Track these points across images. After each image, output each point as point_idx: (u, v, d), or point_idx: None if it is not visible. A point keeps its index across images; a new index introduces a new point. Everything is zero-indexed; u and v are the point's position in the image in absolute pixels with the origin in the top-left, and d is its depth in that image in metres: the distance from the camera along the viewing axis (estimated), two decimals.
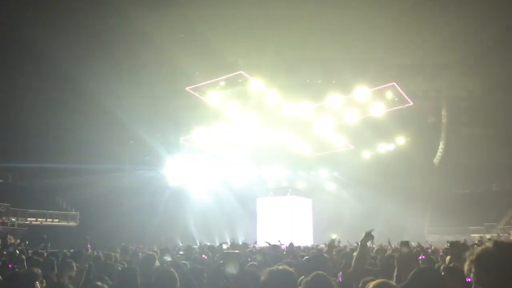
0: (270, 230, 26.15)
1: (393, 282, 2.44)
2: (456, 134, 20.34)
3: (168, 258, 6.47)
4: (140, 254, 8.30)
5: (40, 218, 20.96)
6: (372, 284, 2.39)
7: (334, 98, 18.64)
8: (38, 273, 3.39)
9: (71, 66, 14.68)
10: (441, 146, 21.43)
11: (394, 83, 17.81)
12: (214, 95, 18.11)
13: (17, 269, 5.27)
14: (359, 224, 25.95)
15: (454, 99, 19.40)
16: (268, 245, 10.49)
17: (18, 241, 14.78)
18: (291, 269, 2.57)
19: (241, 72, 16.41)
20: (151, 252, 6.24)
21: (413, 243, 17.00)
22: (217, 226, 26.53)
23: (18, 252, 7.38)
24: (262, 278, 2.58)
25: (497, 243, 1.72)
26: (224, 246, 9.72)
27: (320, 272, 2.58)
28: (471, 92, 18.43)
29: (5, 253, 8.10)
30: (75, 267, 5.33)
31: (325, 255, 5.95)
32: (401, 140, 23.80)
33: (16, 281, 3.16)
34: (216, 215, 26.32)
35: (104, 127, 18.61)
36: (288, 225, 27.26)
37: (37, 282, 3.22)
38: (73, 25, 13.90)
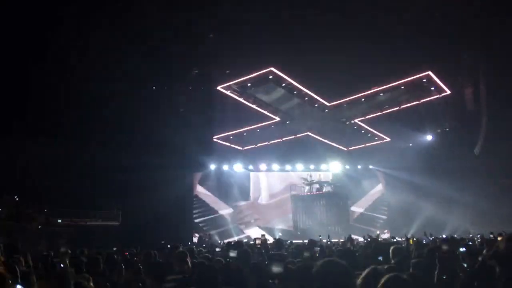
0: (307, 225, 26.16)
1: (405, 276, 2.38)
2: (499, 122, 19.46)
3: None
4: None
5: (85, 218, 21.81)
6: (384, 277, 2.36)
7: (367, 91, 18.41)
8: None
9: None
10: (482, 135, 20.59)
11: (430, 72, 17.28)
12: (245, 93, 18.25)
13: None
14: (400, 217, 25.55)
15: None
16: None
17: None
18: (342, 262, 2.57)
19: (271, 68, 16.41)
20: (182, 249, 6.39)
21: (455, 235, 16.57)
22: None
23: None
24: (314, 269, 2.54)
25: None
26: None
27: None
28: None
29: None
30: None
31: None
32: (440, 130, 23.15)
33: None
34: None
35: (140, 126, 19.13)
36: (325, 220, 27.15)
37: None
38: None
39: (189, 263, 5.78)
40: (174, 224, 22.40)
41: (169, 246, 11.63)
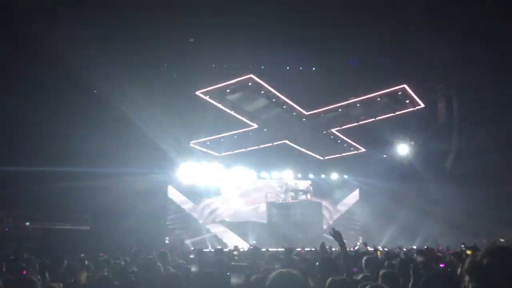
0: (282, 234, 26.15)
1: None
2: (469, 136, 20.04)
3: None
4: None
5: (53, 222, 21.25)
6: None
7: (343, 102, 18.67)
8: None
9: (85, 70, 14.87)
10: (453, 149, 21.17)
11: (405, 85, 17.67)
12: (224, 99, 18.20)
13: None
14: (372, 227, 25.93)
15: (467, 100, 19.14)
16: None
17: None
18: (295, 272, 2.54)
19: (251, 75, 16.44)
20: (150, 257, 6.28)
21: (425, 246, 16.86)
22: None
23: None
24: (267, 283, 2.53)
25: (487, 252, 1.71)
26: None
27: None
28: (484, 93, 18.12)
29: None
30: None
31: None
32: (412, 143, 23.65)
33: None
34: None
35: (115, 131, 18.78)
36: (299, 228, 27.22)
37: None
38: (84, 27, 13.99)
39: (162, 270, 5.67)
40: (148, 229, 22.03)
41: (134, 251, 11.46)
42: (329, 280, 3.74)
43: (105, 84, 15.98)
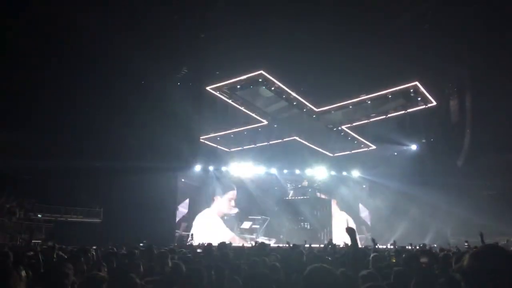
0: (292, 230, 26.16)
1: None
2: (481, 134, 19.81)
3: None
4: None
5: (65, 214, 21.57)
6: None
7: (355, 99, 18.59)
8: None
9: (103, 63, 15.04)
10: (465, 146, 20.94)
11: (417, 82, 17.52)
12: (234, 95, 18.25)
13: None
14: (383, 224, 25.83)
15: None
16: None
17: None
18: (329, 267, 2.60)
19: (261, 71, 16.44)
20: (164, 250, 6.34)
21: (435, 245, 16.74)
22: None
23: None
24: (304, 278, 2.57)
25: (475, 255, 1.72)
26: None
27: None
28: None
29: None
30: None
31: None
32: (424, 140, 23.49)
33: None
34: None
35: (128, 126, 18.95)
36: (309, 225, 27.23)
37: None
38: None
39: (170, 264, 5.74)
40: (157, 223, 22.22)
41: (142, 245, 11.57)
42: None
43: (117, 79, 16.15)
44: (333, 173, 29.01)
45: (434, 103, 18.92)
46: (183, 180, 26.82)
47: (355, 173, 29.12)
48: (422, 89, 17.92)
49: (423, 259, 6.50)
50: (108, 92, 17.05)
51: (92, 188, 21.09)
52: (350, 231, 4.11)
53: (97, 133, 18.88)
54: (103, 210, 22.80)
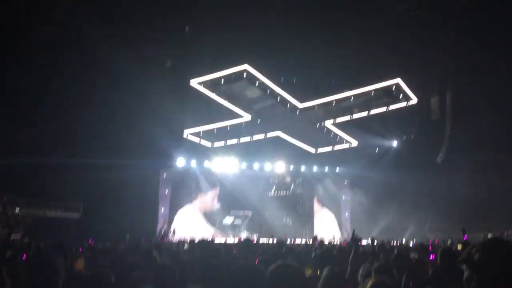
0: (275, 227, 26.27)
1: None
2: (461, 132, 20.26)
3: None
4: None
5: (45, 209, 21.14)
6: (369, 283, 2.40)
7: (337, 95, 18.75)
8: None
9: (70, 57, 14.68)
10: (445, 144, 21.39)
11: (399, 80, 17.76)
12: (218, 89, 18.16)
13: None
14: (361, 221, 26.15)
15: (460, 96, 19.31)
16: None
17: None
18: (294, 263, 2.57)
19: (246, 66, 16.39)
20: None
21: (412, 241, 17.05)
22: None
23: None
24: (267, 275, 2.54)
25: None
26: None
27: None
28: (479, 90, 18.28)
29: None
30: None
31: None
32: (405, 137, 23.85)
33: None
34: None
35: (109, 120, 18.64)
36: (289, 221, 27.41)
37: None
38: None
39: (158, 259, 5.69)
40: (138, 218, 21.98)
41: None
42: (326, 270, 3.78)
43: (94, 72, 15.72)
44: (315, 168, 29.20)
45: (415, 100, 19.23)
46: (165, 175, 26.57)
47: (336, 169, 29.38)
48: (403, 86, 18.19)
49: (413, 254, 6.62)
50: (88, 86, 16.71)
51: (72, 183, 20.67)
52: (354, 240, 4.16)
53: (76, 128, 18.52)
54: (82, 205, 22.43)
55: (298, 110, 20.20)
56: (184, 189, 26.94)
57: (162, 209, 26.01)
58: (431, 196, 23.41)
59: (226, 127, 22.16)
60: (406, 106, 19.55)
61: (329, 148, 25.95)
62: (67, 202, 22.09)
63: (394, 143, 24.48)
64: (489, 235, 18.23)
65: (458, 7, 14.09)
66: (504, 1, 13.60)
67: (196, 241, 8.62)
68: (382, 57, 16.42)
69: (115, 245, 8.41)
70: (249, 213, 27.33)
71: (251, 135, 23.35)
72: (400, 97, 19.11)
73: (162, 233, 23.67)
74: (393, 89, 18.41)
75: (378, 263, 4.95)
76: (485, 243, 1.78)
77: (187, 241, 14.79)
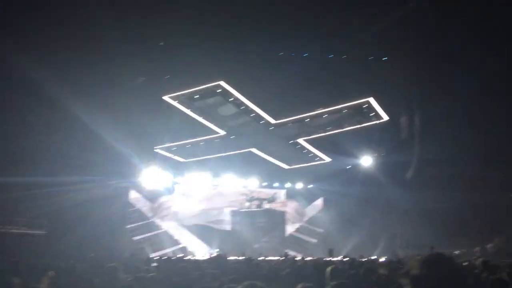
0: (245, 242, 26.01)
1: None
2: (430, 147, 20.75)
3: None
4: None
5: (7, 226, 20.26)
6: None
7: (311, 113, 18.93)
8: None
9: (40, 74, 14.14)
10: (415, 160, 21.86)
11: (371, 98, 18.08)
12: (192, 105, 18.02)
13: None
14: (335, 236, 26.25)
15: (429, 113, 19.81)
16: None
17: None
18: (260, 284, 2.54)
19: (220, 82, 16.34)
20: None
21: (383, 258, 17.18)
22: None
23: None
24: None
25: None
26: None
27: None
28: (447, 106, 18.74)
29: None
30: None
31: None
32: (376, 154, 24.23)
33: None
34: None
35: (76, 137, 18.15)
36: (262, 237, 27.24)
37: None
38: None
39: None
40: (106, 236, 21.33)
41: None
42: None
43: (59, 87, 15.17)
44: (288, 185, 29.28)
45: (386, 118, 19.60)
46: (135, 191, 26.03)
47: (309, 185, 29.55)
48: (374, 105, 18.53)
49: (382, 271, 6.61)
50: (55, 100, 16.14)
51: (36, 200, 19.89)
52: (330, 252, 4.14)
53: (42, 144, 17.87)
54: (47, 223, 21.58)
55: (272, 127, 20.24)
56: (155, 205, 26.46)
57: (132, 225, 25.42)
58: (401, 212, 23.79)
59: (199, 142, 22.00)
60: (377, 124, 19.90)
61: (302, 165, 26.09)
62: (32, 219, 21.23)
63: (367, 161, 24.83)
64: (457, 252, 18.60)
65: (431, 25, 14.46)
66: (475, 19, 14.02)
67: (164, 258, 8.37)
68: (356, 75, 16.70)
69: (79, 264, 8.07)
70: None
71: (225, 150, 23.24)
72: (372, 115, 19.44)
73: (131, 251, 23.04)
74: (365, 106, 18.73)
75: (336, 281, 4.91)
76: (424, 258, 1.85)
77: (155, 259, 14.45)
